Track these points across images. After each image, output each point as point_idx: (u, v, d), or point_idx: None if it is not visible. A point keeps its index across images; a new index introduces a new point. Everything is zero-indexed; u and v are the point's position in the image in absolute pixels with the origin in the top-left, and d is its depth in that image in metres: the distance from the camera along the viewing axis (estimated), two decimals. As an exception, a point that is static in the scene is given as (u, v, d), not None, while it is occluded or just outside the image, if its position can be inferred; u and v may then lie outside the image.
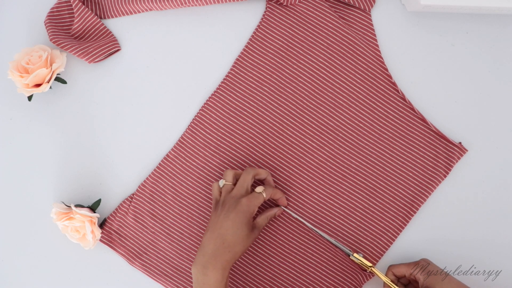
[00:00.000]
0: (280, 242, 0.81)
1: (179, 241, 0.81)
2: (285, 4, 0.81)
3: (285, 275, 0.80)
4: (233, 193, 0.73)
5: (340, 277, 0.80)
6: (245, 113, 0.81)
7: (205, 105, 0.82)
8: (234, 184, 0.75)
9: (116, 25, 0.84)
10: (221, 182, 0.75)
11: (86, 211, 0.77)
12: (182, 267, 0.81)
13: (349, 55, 0.81)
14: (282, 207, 0.79)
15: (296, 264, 0.80)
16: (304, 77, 0.81)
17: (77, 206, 0.79)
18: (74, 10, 0.82)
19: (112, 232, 0.82)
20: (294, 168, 0.81)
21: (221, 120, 0.81)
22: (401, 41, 0.82)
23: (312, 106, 0.81)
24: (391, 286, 0.74)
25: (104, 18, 0.83)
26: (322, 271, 0.80)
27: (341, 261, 0.80)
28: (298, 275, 0.80)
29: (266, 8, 0.82)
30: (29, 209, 0.83)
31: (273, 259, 0.81)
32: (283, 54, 0.81)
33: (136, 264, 0.81)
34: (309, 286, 0.80)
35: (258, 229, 0.75)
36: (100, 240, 0.81)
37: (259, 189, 0.74)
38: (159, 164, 0.82)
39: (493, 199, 0.81)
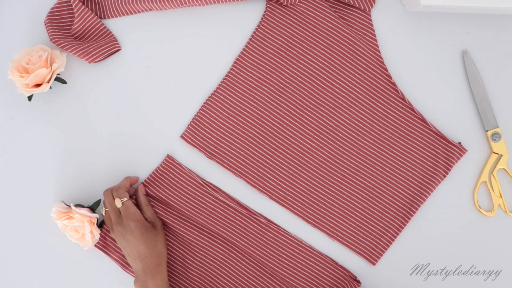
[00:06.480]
0: (271, 252, 0.80)
1: (175, 245, 0.81)
2: (285, 4, 0.81)
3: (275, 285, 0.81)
4: (113, 219, 0.77)
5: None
6: (245, 113, 0.81)
7: (205, 105, 0.82)
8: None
9: (116, 25, 0.84)
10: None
11: (85, 211, 0.77)
12: (179, 272, 0.81)
13: (349, 55, 0.81)
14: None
15: (286, 275, 0.80)
16: (304, 77, 0.81)
17: (77, 205, 0.79)
18: (74, 10, 0.82)
19: (107, 237, 0.81)
20: (293, 168, 0.81)
21: (220, 120, 0.81)
22: (401, 41, 0.82)
23: (312, 106, 0.81)
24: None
25: (104, 18, 0.84)
26: (313, 284, 0.80)
27: (331, 272, 0.80)
28: (289, 286, 0.81)
29: (266, 8, 0.82)
30: (29, 208, 0.83)
31: (263, 271, 0.81)
32: (283, 54, 0.81)
33: (129, 270, 0.81)
34: None
35: (155, 221, 0.78)
36: (95, 246, 0.81)
37: (118, 202, 0.77)
38: (160, 164, 0.82)
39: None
